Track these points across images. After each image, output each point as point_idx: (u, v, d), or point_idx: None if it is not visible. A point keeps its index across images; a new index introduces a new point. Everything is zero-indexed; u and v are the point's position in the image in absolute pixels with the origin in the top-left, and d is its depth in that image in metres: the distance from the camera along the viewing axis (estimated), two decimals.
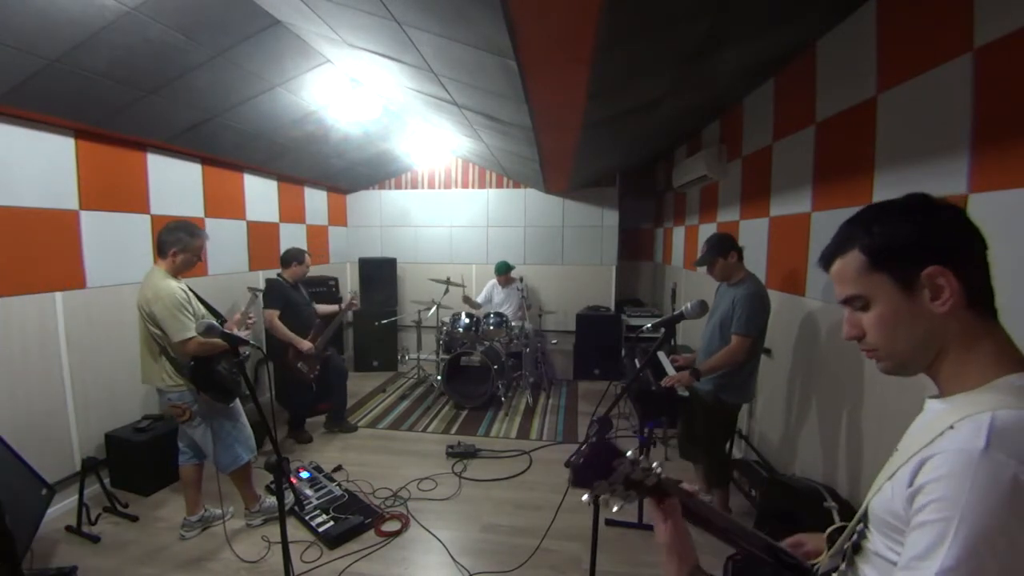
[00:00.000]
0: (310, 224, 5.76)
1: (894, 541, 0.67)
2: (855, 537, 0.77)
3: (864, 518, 0.76)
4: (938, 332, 0.69)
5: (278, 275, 4.02)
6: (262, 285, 4.76)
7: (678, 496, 0.83)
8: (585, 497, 0.81)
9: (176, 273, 2.61)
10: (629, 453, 0.79)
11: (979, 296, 0.68)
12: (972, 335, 0.68)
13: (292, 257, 4.00)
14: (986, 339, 0.68)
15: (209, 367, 2.57)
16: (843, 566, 0.79)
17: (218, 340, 2.33)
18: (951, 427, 0.62)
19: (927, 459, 0.62)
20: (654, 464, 0.81)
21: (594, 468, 0.78)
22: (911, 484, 0.63)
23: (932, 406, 0.72)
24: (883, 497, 0.69)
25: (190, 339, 2.43)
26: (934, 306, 0.67)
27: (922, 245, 0.68)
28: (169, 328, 2.44)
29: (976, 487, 0.56)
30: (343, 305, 4.32)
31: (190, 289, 2.64)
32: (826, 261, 0.78)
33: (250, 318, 3.01)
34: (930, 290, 0.67)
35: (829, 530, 0.90)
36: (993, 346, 0.68)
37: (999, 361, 0.66)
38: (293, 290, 4.00)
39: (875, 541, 0.72)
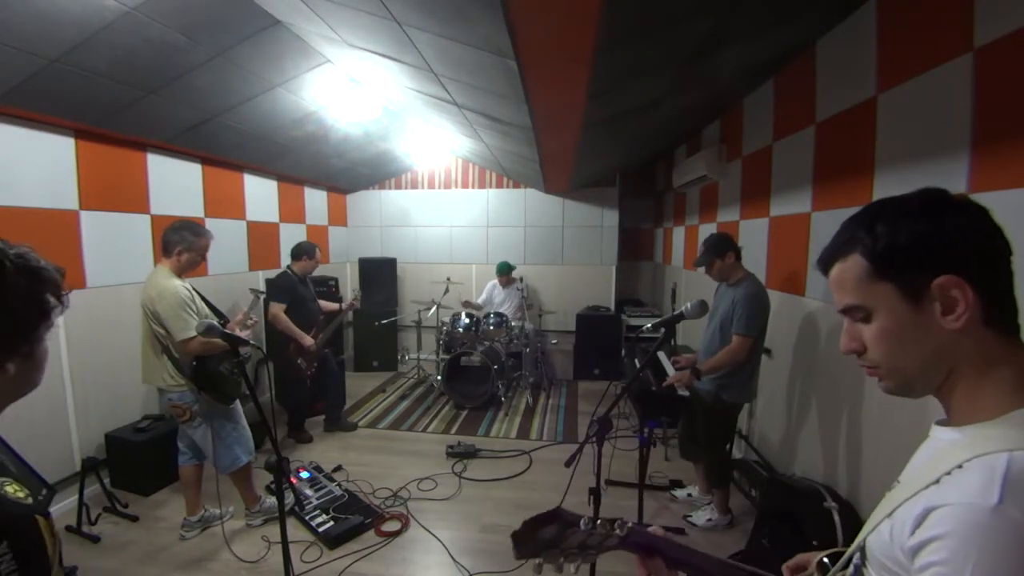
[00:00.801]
0: (310, 224, 5.76)
1: None
2: (851, 571, 0.71)
3: (861, 553, 0.69)
4: (949, 351, 0.60)
5: (287, 267, 4.03)
6: (262, 285, 4.77)
7: (649, 541, 0.76)
8: (535, 566, 0.72)
9: (180, 272, 2.61)
10: (583, 520, 0.69)
11: (999, 311, 0.60)
12: (988, 356, 0.60)
13: (303, 251, 4.02)
14: (1005, 362, 0.59)
15: (211, 367, 2.57)
16: None
17: (219, 340, 2.38)
18: (960, 466, 0.55)
19: (932, 509, 0.54)
20: (616, 522, 0.72)
21: (541, 539, 0.69)
22: (913, 534, 0.56)
23: (940, 435, 0.64)
24: (881, 539, 0.62)
25: (193, 338, 2.43)
26: (945, 321, 0.59)
27: (934, 250, 0.59)
28: (173, 327, 2.45)
29: (987, 552, 0.49)
30: (344, 305, 4.33)
31: (194, 288, 2.64)
32: (824, 264, 0.69)
33: (251, 319, 3.01)
34: (941, 303, 0.59)
35: (819, 557, 0.83)
36: (1012, 371, 0.59)
37: (1018, 389, 0.58)
38: (301, 284, 4.01)
39: None
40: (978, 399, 0.60)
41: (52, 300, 0.74)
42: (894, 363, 0.64)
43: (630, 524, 0.73)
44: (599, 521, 0.70)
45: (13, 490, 0.73)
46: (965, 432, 0.60)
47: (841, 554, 0.76)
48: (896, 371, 0.65)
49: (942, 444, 0.63)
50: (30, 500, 0.74)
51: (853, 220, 0.67)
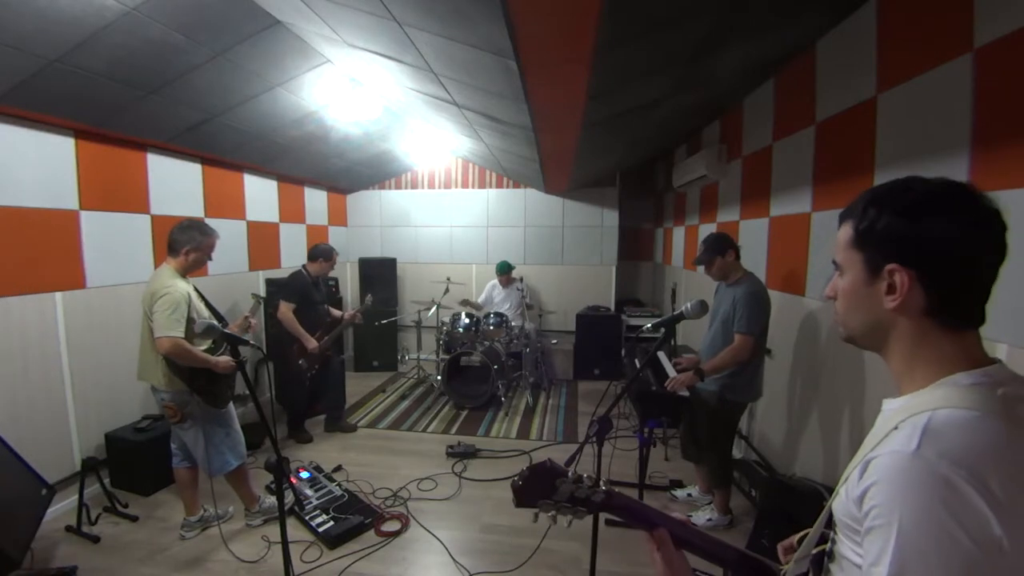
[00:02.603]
0: (310, 224, 5.76)
1: (855, 543, 0.67)
2: (829, 544, 0.77)
3: (833, 525, 0.76)
4: (885, 324, 0.70)
5: (303, 267, 4.05)
6: (262, 285, 4.78)
7: (629, 505, 0.84)
8: (533, 515, 0.83)
9: (186, 272, 2.61)
10: (571, 472, 0.81)
11: (949, 308, 0.66)
12: (924, 338, 0.68)
13: (319, 254, 4.03)
14: (941, 342, 0.67)
15: (207, 371, 2.55)
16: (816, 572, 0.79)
17: (194, 353, 2.41)
18: (895, 428, 0.63)
19: (870, 461, 0.63)
20: (600, 481, 0.82)
21: (536, 488, 0.80)
22: (859, 487, 0.64)
23: (887, 406, 0.73)
24: (840, 501, 0.70)
25: (167, 337, 2.39)
26: (885, 300, 0.68)
27: (900, 243, 0.67)
28: (156, 320, 2.42)
29: (908, 489, 0.57)
30: (347, 316, 4.28)
31: (196, 290, 2.64)
32: (840, 222, 0.78)
33: (252, 322, 2.97)
34: (888, 284, 0.68)
35: (797, 536, 0.88)
36: (948, 348, 0.67)
37: (949, 361, 0.66)
38: (313, 286, 4.02)
39: (842, 544, 0.72)
40: (912, 372, 0.70)
41: None
42: (845, 317, 0.77)
43: (615, 489, 0.83)
44: (584, 476, 0.81)
45: None
46: (903, 400, 0.69)
47: (822, 537, 0.81)
48: (846, 324, 0.77)
49: (888, 413, 0.71)
50: None
51: (863, 195, 0.74)
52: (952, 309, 0.67)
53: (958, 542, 0.54)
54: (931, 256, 0.66)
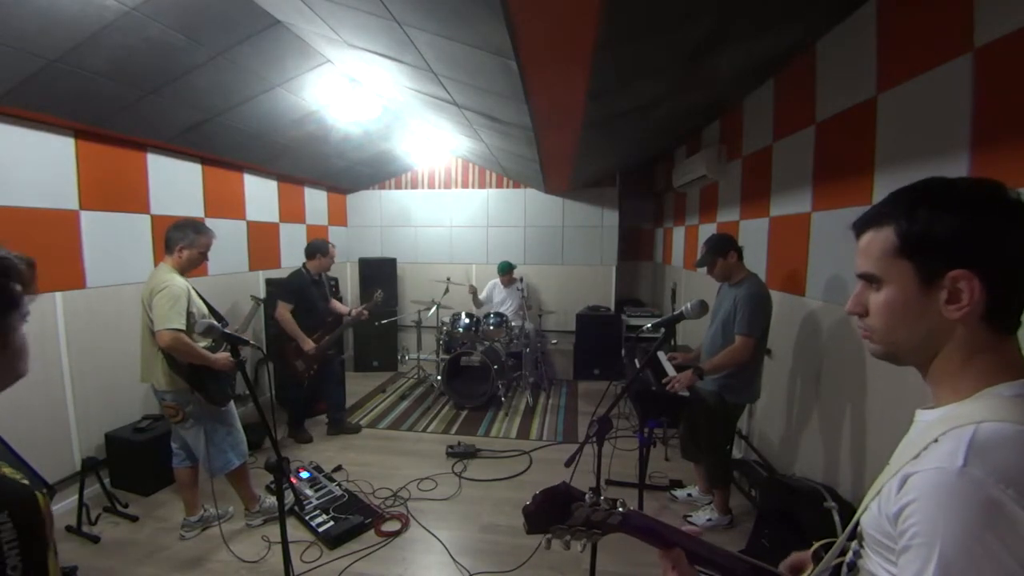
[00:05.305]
0: (310, 224, 5.76)
1: (886, 560, 0.65)
2: (850, 556, 0.74)
3: (857, 536, 0.73)
4: (940, 335, 0.65)
5: (303, 266, 4.01)
6: (262, 285, 4.77)
7: (649, 525, 0.81)
8: (544, 541, 0.79)
9: (182, 270, 2.61)
10: (587, 495, 0.77)
11: (1003, 310, 0.62)
12: (976, 346, 0.63)
13: (316, 249, 3.99)
14: (990, 350, 0.63)
15: (207, 368, 2.55)
16: None
17: (194, 348, 2.40)
18: (935, 440, 0.60)
19: (909, 476, 0.60)
20: (617, 502, 0.78)
21: (549, 513, 0.76)
22: (895, 502, 0.61)
23: (922, 417, 0.69)
24: (871, 515, 0.67)
25: (168, 330, 2.38)
26: (947, 310, 0.62)
27: (961, 246, 0.61)
28: (155, 314, 2.42)
29: (952, 508, 0.54)
30: (353, 312, 4.26)
31: (194, 289, 2.64)
32: (859, 228, 0.72)
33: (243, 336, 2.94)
34: (949, 292, 0.62)
35: (815, 547, 0.87)
36: (995, 357, 0.63)
37: (995, 370, 0.63)
38: (313, 284, 3.99)
39: (869, 560, 0.69)
40: (958, 381, 0.65)
41: (18, 288, 0.74)
42: (889, 333, 0.69)
43: (631, 507, 0.79)
44: (602, 497, 0.77)
45: (10, 472, 0.75)
46: (943, 411, 0.65)
47: (831, 544, 0.79)
48: (887, 340, 0.70)
49: (923, 425, 0.68)
50: (26, 482, 0.75)
51: (899, 195, 0.69)
52: (1006, 313, 0.63)
53: (1004, 567, 0.51)
54: (996, 256, 0.61)
